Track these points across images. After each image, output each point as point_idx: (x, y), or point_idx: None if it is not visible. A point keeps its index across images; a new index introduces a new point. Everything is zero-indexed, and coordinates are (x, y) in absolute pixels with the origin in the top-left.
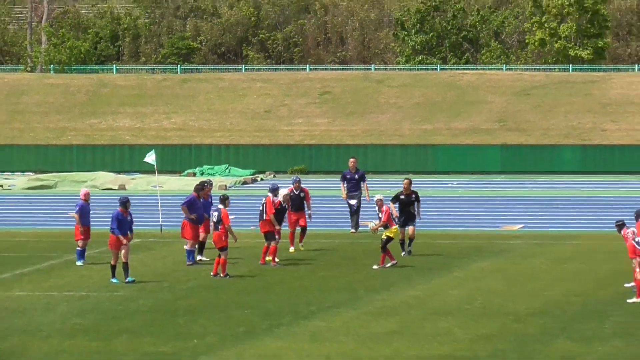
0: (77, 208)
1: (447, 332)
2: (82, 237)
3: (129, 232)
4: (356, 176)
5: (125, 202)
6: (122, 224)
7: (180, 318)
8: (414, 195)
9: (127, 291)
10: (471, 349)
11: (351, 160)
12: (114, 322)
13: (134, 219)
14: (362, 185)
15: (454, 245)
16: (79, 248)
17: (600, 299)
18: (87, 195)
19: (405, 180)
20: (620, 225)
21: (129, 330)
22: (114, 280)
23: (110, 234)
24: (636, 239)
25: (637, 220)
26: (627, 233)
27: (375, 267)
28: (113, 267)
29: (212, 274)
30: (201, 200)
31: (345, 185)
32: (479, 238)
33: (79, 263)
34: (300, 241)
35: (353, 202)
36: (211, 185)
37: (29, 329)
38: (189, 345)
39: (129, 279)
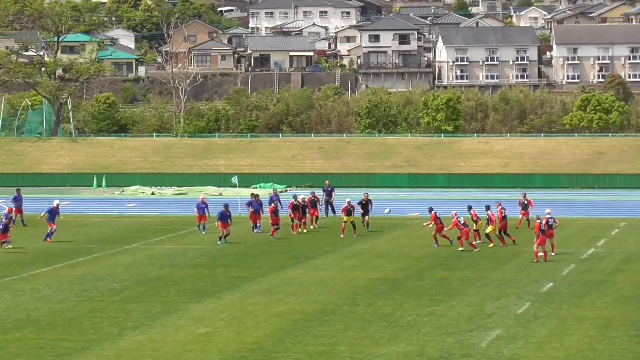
0: (195, 206)
1: (381, 266)
2: (199, 220)
3: (229, 220)
4: (329, 189)
5: (226, 205)
6: (224, 216)
7: (249, 259)
8: (369, 201)
9: (223, 246)
10: (393, 274)
11: (327, 181)
12: (216, 261)
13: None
14: (332, 194)
15: (385, 224)
16: (199, 226)
17: (455, 250)
18: (203, 199)
19: (365, 194)
20: (430, 209)
21: (223, 265)
22: (219, 243)
23: (217, 220)
24: (460, 219)
25: (487, 211)
26: (455, 217)
27: (354, 235)
28: (220, 237)
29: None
30: (256, 201)
31: (324, 193)
32: (396, 220)
33: (202, 233)
34: (316, 223)
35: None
36: (276, 193)
37: (172, 265)
38: (253, 272)
39: (220, 242)
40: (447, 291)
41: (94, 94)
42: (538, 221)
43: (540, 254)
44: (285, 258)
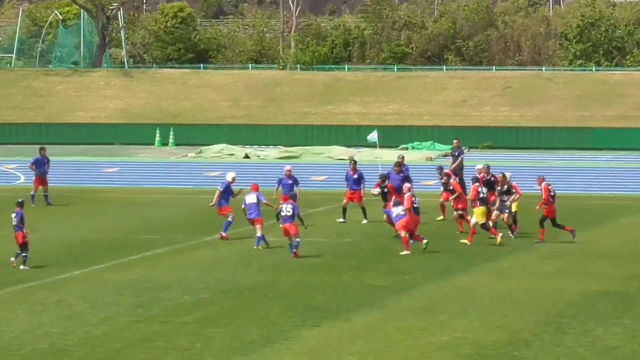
0: (277, 181)
1: (602, 272)
2: (283, 200)
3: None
4: (456, 153)
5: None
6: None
7: (394, 258)
8: (492, 178)
9: (353, 237)
10: (622, 285)
11: (455, 140)
12: (343, 260)
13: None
14: (459, 158)
15: (606, 205)
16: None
17: None
18: (289, 172)
19: (501, 174)
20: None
21: (354, 266)
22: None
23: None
24: None
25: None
26: None
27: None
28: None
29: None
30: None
31: (453, 159)
32: (625, 199)
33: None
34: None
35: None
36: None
37: (275, 266)
38: (400, 279)
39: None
40: None
41: (159, 3)
42: None
43: None
44: (450, 258)
